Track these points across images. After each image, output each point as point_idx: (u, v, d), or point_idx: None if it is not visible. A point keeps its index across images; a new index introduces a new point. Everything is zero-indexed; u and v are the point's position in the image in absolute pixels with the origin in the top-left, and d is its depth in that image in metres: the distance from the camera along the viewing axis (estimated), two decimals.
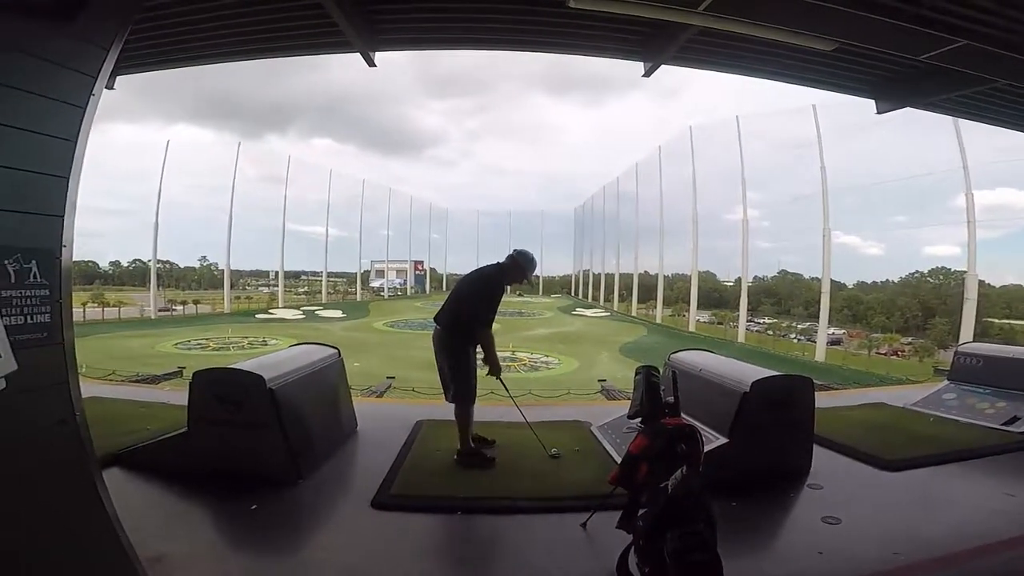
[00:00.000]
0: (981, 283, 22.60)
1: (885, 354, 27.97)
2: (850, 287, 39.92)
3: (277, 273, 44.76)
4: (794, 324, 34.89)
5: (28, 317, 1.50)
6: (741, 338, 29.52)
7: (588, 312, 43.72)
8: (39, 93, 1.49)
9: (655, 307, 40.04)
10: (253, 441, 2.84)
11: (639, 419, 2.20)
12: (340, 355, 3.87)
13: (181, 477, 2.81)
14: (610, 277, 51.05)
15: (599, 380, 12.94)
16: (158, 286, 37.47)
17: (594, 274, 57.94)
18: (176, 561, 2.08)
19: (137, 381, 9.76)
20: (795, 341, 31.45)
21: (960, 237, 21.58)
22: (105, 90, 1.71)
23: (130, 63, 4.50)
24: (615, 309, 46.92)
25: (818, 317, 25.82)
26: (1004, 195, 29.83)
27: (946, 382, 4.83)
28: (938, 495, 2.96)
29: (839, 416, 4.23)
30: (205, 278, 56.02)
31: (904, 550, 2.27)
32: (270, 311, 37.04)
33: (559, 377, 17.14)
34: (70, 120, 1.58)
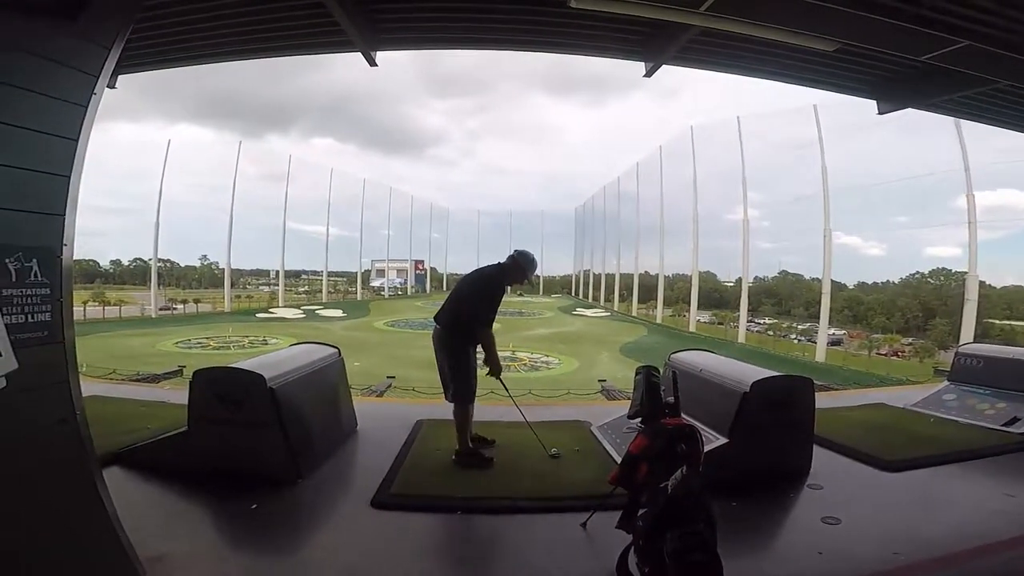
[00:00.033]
0: (982, 284, 22.61)
1: (885, 355, 27.96)
2: (851, 288, 39.92)
3: (278, 272, 44.81)
4: (794, 324, 34.88)
5: (29, 316, 1.50)
6: (741, 338, 29.52)
7: (588, 312, 43.72)
8: (41, 92, 1.49)
9: (655, 307, 40.04)
10: (253, 440, 2.84)
11: (639, 419, 2.20)
12: (340, 354, 3.87)
13: (181, 476, 2.81)
14: (610, 277, 51.06)
15: (599, 380, 12.95)
16: (159, 285, 37.50)
17: (594, 274, 57.97)
18: (176, 560, 2.08)
19: (137, 380, 9.77)
20: (795, 341, 31.45)
21: (961, 238, 21.60)
22: (107, 89, 1.71)
23: (132, 62, 4.50)
24: (615, 309, 46.92)
25: (818, 318, 25.82)
26: (1005, 196, 29.91)
27: (946, 383, 4.83)
28: (938, 495, 2.96)
29: (839, 416, 4.23)
30: (206, 277, 56.08)
31: (904, 550, 2.27)
32: (270, 310, 37.07)
33: (559, 377, 17.16)
34: (72, 119, 1.58)
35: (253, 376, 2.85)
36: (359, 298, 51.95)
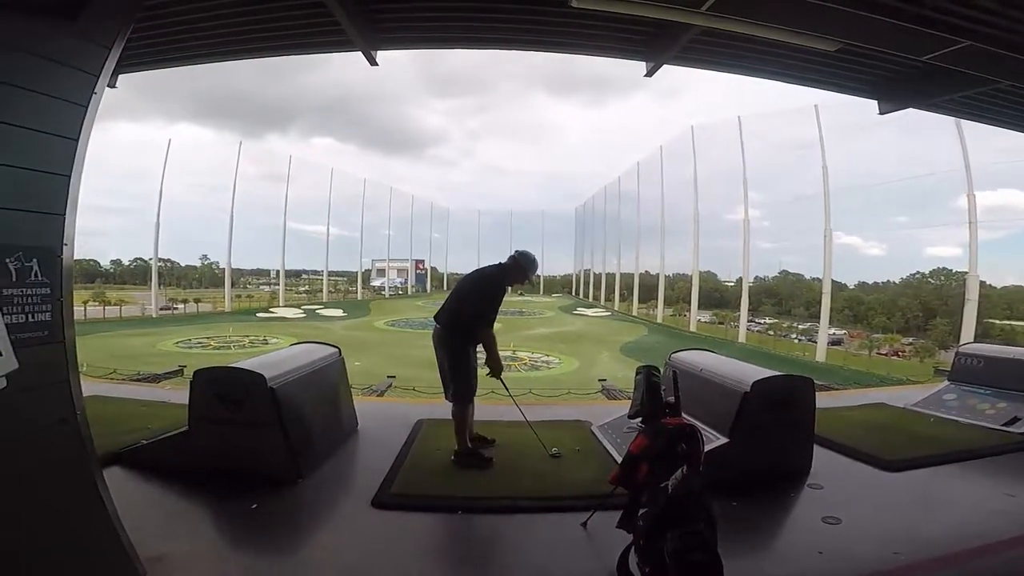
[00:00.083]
0: (982, 284, 22.59)
1: (886, 354, 27.94)
2: (851, 287, 39.90)
3: (278, 272, 44.81)
4: (795, 324, 34.87)
5: (29, 315, 1.50)
6: (742, 338, 29.51)
7: (589, 312, 43.72)
8: (41, 92, 1.49)
9: (656, 307, 40.03)
10: (254, 440, 2.84)
11: (639, 419, 2.20)
12: (341, 354, 3.87)
13: (182, 476, 2.81)
14: (611, 277, 51.06)
15: (600, 380, 12.96)
16: (159, 285, 37.53)
17: (595, 274, 57.97)
18: (177, 560, 2.08)
19: (138, 380, 9.78)
20: (796, 341, 31.43)
21: (961, 238, 21.59)
22: (107, 88, 1.71)
23: (132, 62, 4.51)
24: (616, 309, 46.92)
25: (819, 317, 25.81)
26: (1006, 196, 29.85)
27: (947, 383, 4.83)
28: (938, 495, 2.96)
29: (840, 416, 4.23)
30: (206, 277, 56.10)
31: (904, 550, 2.27)
32: (271, 310, 37.09)
33: (560, 376, 17.16)
34: (72, 119, 1.58)
35: (253, 376, 2.85)
36: (359, 298, 51.97)
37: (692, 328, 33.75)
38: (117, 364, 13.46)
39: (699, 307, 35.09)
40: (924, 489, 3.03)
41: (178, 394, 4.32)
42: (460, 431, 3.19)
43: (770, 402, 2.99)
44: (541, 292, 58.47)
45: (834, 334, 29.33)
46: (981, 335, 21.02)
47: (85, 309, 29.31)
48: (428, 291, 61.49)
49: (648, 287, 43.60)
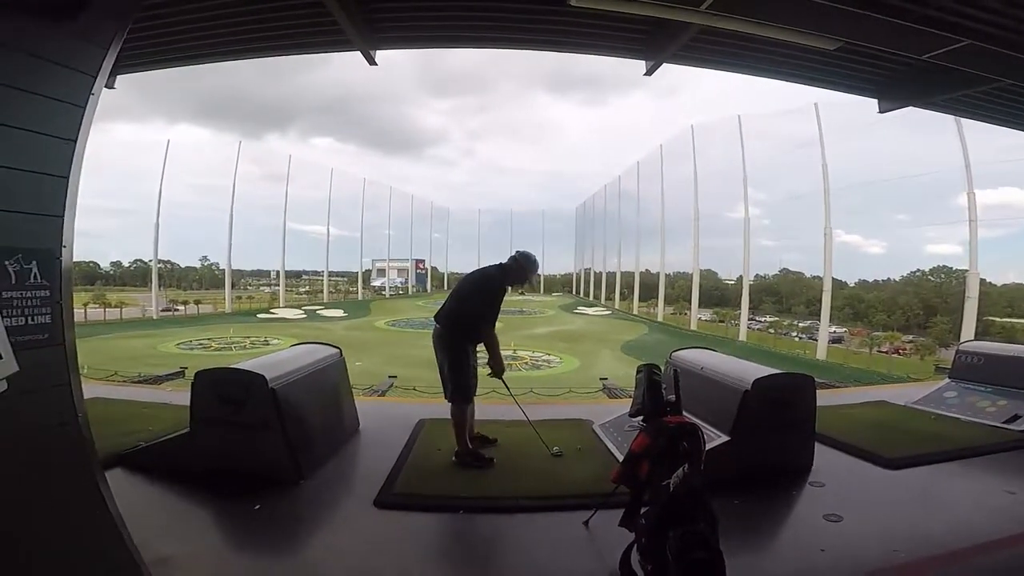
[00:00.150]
0: (982, 281, 22.57)
1: (887, 352, 27.90)
2: (852, 285, 39.92)
3: (278, 272, 44.80)
4: (795, 322, 34.89)
5: (29, 318, 1.50)
6: (742, 336, 29.48)
7: (589, 310, 43.71)
8: (38, 92, 1.48)
9: (656, 305, 40.01)
10: (255, 441, 2.84)
11: (641, 417, 2.20)
12: (342, 354, 3.87)
13: (184, 477, 2.81)
14: (611, 275, 51.05)
15: (601, 378, 12.96)
16: (159, 286, 37.53)
17: (595, 272, 57.95)
18: (180, 561, 2.08)
19: (139, 382, 9.78)
20: (796, 339, 31.43)
21: (962, 236, 21.54)
22: (105, 89, 1.71)
23: (130, 62, 4.50)
24: (616, 307, 46.91)
25: (819, 315, 25.79)
26: (1006, 194, 29.75)
27: (947, 380, 4.83)
28: (939, 493, 2.96)
29: (841, 414, 4.22)
30: (206, 278, 56.12)
31: (905, 548, 2.27)
32: (271, 311, 37.07)
33: (561, 375, 17.17)
34: (70, 120, 1.58)
35: (254, 377, 2.85)
36: (360, 298, 51.96)
37: (693, 326, 33.73)
38: (118, 366, 13.47)
39: (700, 305, 35.05)
40: (925, 487, 3.03)
41: (179, 395, 4.32)
42: (460, 431, 3.19)
43: (771, 400, 2.99)
44: (542, 291, 58.46)
45: (835, 332, 29.32)
46: (981, 333, 21.04)
47: (85, 311, 29.29)
48: (429, 291, 61.49)
49: (649, 286, 43.59)
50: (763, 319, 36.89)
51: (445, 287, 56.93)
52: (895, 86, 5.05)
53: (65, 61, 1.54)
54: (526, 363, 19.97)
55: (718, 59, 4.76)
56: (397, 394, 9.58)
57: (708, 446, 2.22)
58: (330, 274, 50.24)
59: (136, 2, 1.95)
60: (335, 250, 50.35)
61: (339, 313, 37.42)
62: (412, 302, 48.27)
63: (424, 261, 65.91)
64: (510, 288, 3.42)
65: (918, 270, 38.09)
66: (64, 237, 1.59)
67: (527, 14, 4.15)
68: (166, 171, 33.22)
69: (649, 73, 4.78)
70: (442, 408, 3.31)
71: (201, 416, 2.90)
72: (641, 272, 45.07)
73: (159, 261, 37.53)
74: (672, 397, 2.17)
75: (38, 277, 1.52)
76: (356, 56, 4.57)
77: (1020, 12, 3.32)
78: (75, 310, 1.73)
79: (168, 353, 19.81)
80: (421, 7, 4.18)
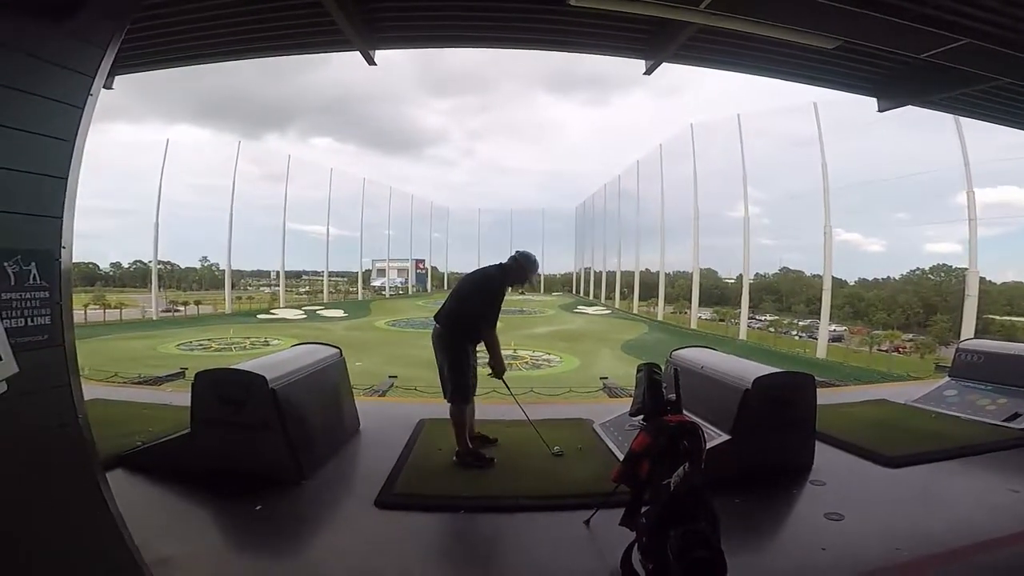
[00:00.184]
0: (982, 280, 22.56)
1: (886, 351, 27.88)
2: (851, 284, 39.91)
3: (278, 273, 44.78)
4: (795, 321, 34.87)
5: (28, 319, 1.49)
6: (743, 335, 29.47)
7: (590, 310, 43.71)
8: (35, 93, 1.48)
9: (656, 305, 40.01)
10: (256, 441, 2.84)
11: (641, 416, 2.20)
12: (342, 354, 3.87)
13: (185, 478, 2.81)
14: (611, 275, 51.00)
15: (601, 378, 12.92)
16: (159, 287, 37.50)
17: (595, 272, 57.92)
18: (181, 562, 2.08)
19: (139, 383, 9.76)
20: (796, 338, 31.41)
21: (961, 234, 21.54)
22: (104, 90, 1.71)
23: (128, 62, 4.50)
24: (616, 307, 46.88)
25: (819, 314, 25.78)
26: (1006, 193, 29.66)
27: (947, 379, 4.83)
28: (940, 491, 2.96)
29: (841, 413, 4.23)
30: (206, 279, 56.09)
31: (906, 546, 2.27)
32: (271, 311, 37.05)
33: (561, 375, 17.16)
34: (68, 120, 1.57)
35: (254, 377, 2.85)
36: (360, 298, 51.93)
37: (693, 325, 33.72)
38: (118, 367, 13.45)
39: (700, 304, 35.04)
40: (926, 485, 3.04)
41: (180, 396, 4.32)
42: (460, 431, 3.19)
43: (771, 399, 2.99)
44: (542, 291, 58.44)
45: (835, 330, 29.32)
46: (981, 331, 21.03)
47: (85, 312, 29.27)
48: (429, 291, 61.45)
49: (648, 285, 43.57)
50: (763, 318, 36.88)
51: (445, 287, 56.91)
52: (893, 85, 5.05)
53: (63, 62, 1.53)
54: (526, 362, 19.96)
55: (718, 58, 4.76)
56: (397, 394, 9.57)
57: (709, 445, 2.22)
58: (330, 274, 50.21)
59: (134, 2, 1.95)
60: (335, 250, 50.38)
61: (339, 313, 37.40)
62: (412, 302, 48.24)
63: (424, 261, 65.91)
64: (510, 288, 3.42)
65: (918, 268, 38.16)
66: (63, 238, 1.58)
67: (526, 13, 4.15)
68: (165, 171, 33.21)
69: (648, 72, 4.79)
70: (442, 408, 3.31)
71: (202, 417, 2.90)
72: (641, 271, 45.08)
73: (159, 262, 37.51)
74: (672, 396, 2.17)
75: (37, 278, 1.52)
76: (355, 56, 4.57)
77: (1018, 11, 3.32)
78: (75, 311, 1.73)
79: (168, 354, 19.79)
80: (420, 7, 4.18)
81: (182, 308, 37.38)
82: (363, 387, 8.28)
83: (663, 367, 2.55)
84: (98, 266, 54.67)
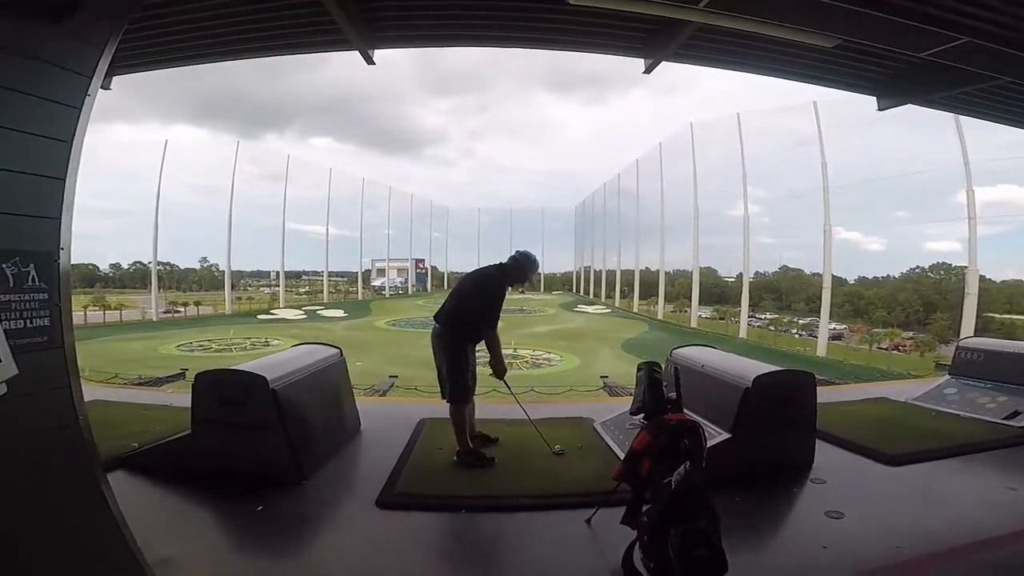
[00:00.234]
0: (982, 278, 22.55)
1: (886, 349, 27.89)
2: (851, 282, 39.86)
3: (278, 273, 44.75)
4: (795, 319, 34.85)
5: (28, 321, 1.49)
6: (743, 334, 29.47)
7: (590, 309, 43.71)
8: (33, 93, 1.48)
9: (656, 303, 40.02)
10: (256, 442, 2.84)
11: (642, 415, 2.20)
12: (342, 354, 3.87)
13: (186, 479, 2.81)
14: (611, 274, 50.99)
15: (601, 376, 12.92)
16: (159, 288, 37.48)
17: (595, 271, 57.90)
18: (183, 563, 2.08)
19: (140, 384, 9.75)
20: (796, 336, 31.39)
21: (961, 233, 21.53)
22: (101, 90, 1.70)
23: (126, 63, 4.49)
24: (616, 305, 46.88)
25: (819, 312, 25.78)
26: (1005, 191, 29.63)
27: (947, 377, 4.83)
28: (940, 489, 2.97)
29: (841, 411, 4.23)
30: (206, 279, 56.04)
31: (907, 544, 2.27)
32: (271, 311, 37.04)
33: (561, 374, 17.15)
34: (65, 121, 1.57)
35: (255, 378, 2.85)
36: (360, 298, 51.92)
37: (693, 324, 33.73)
38: (118, 368, 13.43)
39: (699, 303, 35.04)
40: (926, 483, 3.04)
41: (180, 397, 4.32)
42: (460, 431, 3.19)
43: (772, 397, 2.99)
44: (542, 290, 58.43)
45: (835, 329, 29.33)
46: (981, 329, 21.03)
47: (85, 314, 29.24)
48: (429, 290, 61.45)
49: (648, 284, 43.57)
50: (763, 316, 36.87)
51: (445, 286, 56.90)
52: (894, 84, 5.05)
53: (60, 62, 1.53)
54: (527, 362, 19.96)
55: (717, 57, 4.75)
56: (398, 394, 9.56)
57: (709, 443, 2.22)
58: (330, 274, 50.18)
59: (132, 2, 1.95)
60: (334, 250, 50.25)
61: (339, 313, 37.39)
62: (412, 302, 48.24)
63: (424, 261, 65.92)
64: (510, 287, 3.41)
65: (918, 267, 38.10)
66: (62, 239, 1.58)
67: (526, 12, 4.14)
68: (164, 172, 33.18)
69: (648, 71, 4.77)
70: (443, 408, 3.31)
71: (202, 417, 2.90)
72: (641, 270, 45.07)
73: (158, 263, 37.48)
74: (673, 395, 2.17)
75: (36, 280, 1.51)
76: (354, 56, 4.56)
77: (1019, 10, 3.31)
78: (75, 313, 1.73)
79: (168, 355, 19.78)
80: (420, 6, 4.17)
81: (182, 309, 37.35)
82: (363, 387, 8.27)
83: (663, 366, 2.55)
84: (97, 267, 54.65)
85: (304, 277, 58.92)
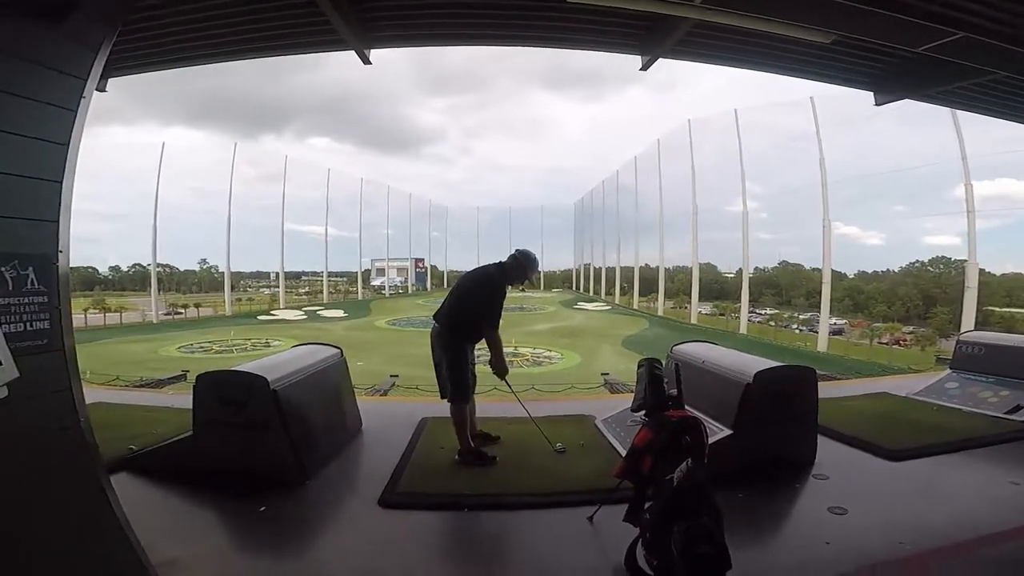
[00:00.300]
0: (981, 272, 22.55)
1: (887, 343, 27.90)
2: (851, 277, 39.87)
3: (277, 274, 44.72)
4: (795, 315, 34.84)
5: (27, 324, 1.49)
6: (743, 329, 29.49)
7: (590, 306, 43.72)
8: (29, 96, 1.47)
9: (656, 300, 40.03)
10: (258, 442, 2.84)
11: (643, 412, 2.20)
12: (343, 354, 3.87)
13: (189, 480, 2.81)
14: (611, 271, 50.99)
15: (602, 374, 12.91)
16: (159, 290, 37.45)
17: (595, 268, 57.89)
18: (187, 563, 2.09)
19: (141, 386, 9.75)
20: (797, 331, 31.42)
21: (960, 227, 21.54)
22: (97, 92, 1.70)
23: (121, 64, 4.48)
24: (616, 302, 46.89)
25: (819, 307, 25.80)
26: (1003, 185, 29.61)
27: (948, 371, 4.82)
28: (942, 484, 2.96)
29: (842, 406, 4.23)
30: (206, 281, 56.02)
31: (909, 540, 2.27)
32: (272, 312, 37.05)
33: (562, 371, 17.17)
34: (61, 123, 1.57)
35: (256, 378, 2.85)
36: (360, 298, 51.91)
37: (693, 320, 33.76)
38: (120, 371, 13.43)
39: (699, 299, 35.05)
40: (928, 478, 3.03)
41: (182, 399, 4.31)
42: (461, 430, 3.19)
43: (772, 393, 2.99)
44: (542, 287, 58.41)
45: (835, 324, 29.35)
46: (981, 322, 21.05)
47: (85, 317, 29.24)
48: (428, 289, 61.45)
49: (648, 280, 43.58)
50: (763, 312, 36.86)
51: (445, 285, 56.88)
52: (891, 79, 5.04)
53: (55, 64, 1.52)
54: (527, 360, 19.98)
55: (714, 53, 4.74)
56: (399, 393, 9.59)
57: (711, 440, 2.21)
58: (329, 274, 50.17)
59: (126, 4, 1.94)
60: (334, 250, 50.22)
61: (339, 313, 37.40)
62: (412, 301, 48.23)
63: (423, 260, 65.90)
64: (510, 286, 3.41)
65: (917, 261, 38.16)
66: (60, 242, 1.58)
67: (523, 11, 4.14)
68: (162, 174, 33.10)
69: (645, 68, 4.77)
70: (444, 407, 3.31)
71: (204, 419, 2.90)
72: (641, 267, 45.07)
73: (158, 265, 37.43)
74: (674, 391, 2.17)
75: (35, 283, 1.51)
76: (351, 55, 4.55)
77: (1015, 5, 3.31)
78: (75, 316, 1.73)
79: (169, 357, 19.79)
80: (415, 4, 4.16)
81: (182, 311, 37.33)
82: (364, 387, 8.30)
83: (664, 362, 2.55)
84: (97, 270, 54.64)
85: (304, 278, 58.94)
